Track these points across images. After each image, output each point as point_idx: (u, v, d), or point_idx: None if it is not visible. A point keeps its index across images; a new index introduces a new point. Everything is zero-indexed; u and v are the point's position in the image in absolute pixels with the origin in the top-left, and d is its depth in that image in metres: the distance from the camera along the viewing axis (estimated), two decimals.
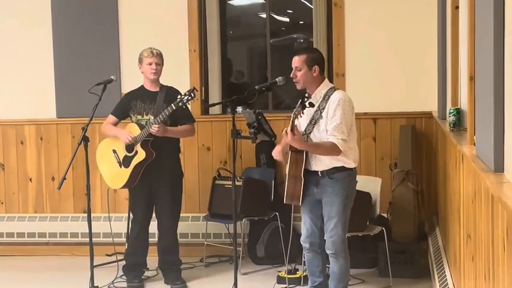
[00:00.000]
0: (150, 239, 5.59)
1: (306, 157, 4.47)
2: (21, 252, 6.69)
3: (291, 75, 4.56)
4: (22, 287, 5.87)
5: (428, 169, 6.14)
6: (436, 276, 4.78)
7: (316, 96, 4.50)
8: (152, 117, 5.31)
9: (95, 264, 5.08)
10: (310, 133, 4.47)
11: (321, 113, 4.44)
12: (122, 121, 5.54)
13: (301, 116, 4.33)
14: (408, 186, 5.66)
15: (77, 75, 6.48)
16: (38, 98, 6.66)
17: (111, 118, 5.47)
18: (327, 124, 4.40)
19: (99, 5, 6.51)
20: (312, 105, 4.32)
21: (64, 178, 4.84)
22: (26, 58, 6.66)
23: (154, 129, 5.16)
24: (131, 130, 5.32)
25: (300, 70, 4.51)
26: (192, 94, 5.10)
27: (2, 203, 6.79)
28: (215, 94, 6.54)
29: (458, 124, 4.37)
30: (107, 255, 5.71)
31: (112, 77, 5.23)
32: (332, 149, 4.37)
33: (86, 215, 5.10)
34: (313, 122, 4.47)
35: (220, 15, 6.58)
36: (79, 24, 6.53)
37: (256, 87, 4.83)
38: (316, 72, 4.51)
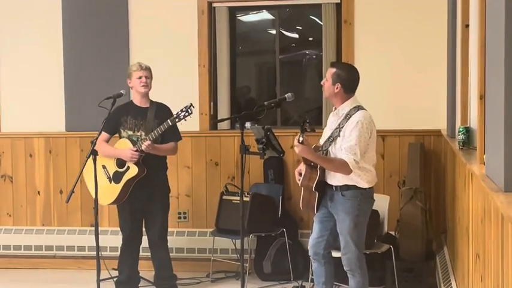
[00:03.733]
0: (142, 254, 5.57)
1: (323, 169, 4.50)
2: (27, 265, 6.68)
3: (322, 82, 4.66)
4: None
5: (437, 187, 6.12)
6: None
7: (339, 112, 4.55)
8: (143, 133, 5.29)
9: (101, 278, 5.07)
10: (327, 149, 4.51)
11: (339, 131, 4.48)
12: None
13: (303, 137, 4.35)
14: (416, 204, 5.63)
15: (87, 88, 6.51)
16: (47, 111, 6.68)
17: (104, 135, 5.33)
18: (342, 143, 4.43)
19: (109, 19, 6.54)
20: (307, 125, 4.35)
21: (72, 191, 4.84)
22: (36, 71, 6.69)
23: (146, 144, 5.11)
24: (125, 145, 5.30)
25: (327, 81, 4.59)
26: (189, 110, 5.07)
27: (10, 216, 6.79)
28: (224, 109, 6.54)
29: (467, 143, 4.36)
30: (114, 269, 5.70)
31: (121, 91, 5.23)
32: (342, 166, 4.39)
33: (93, 228, 5.09)
34: (331, 139, 4.51)
35: (230, 31, 6.60)
36: (89, 38, 6.56)
37: (265, 103, 4.85)
38: (338, 89, 4.54)
